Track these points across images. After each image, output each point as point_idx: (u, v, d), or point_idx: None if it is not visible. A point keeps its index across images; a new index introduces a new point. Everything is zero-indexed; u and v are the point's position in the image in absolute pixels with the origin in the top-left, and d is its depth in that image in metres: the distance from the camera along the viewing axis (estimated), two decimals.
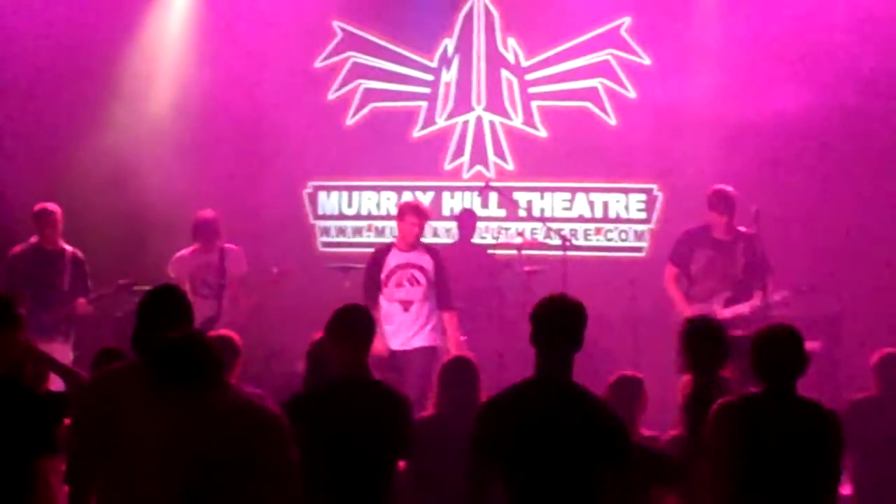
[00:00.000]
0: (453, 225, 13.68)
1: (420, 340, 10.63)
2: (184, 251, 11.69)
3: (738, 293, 10.75)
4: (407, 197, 14.22)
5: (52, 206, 11.37)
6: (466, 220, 13.47)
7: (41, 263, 11.20)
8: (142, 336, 5.62)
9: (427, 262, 10.83)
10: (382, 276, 10.75)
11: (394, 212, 14.08)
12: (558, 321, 5.61)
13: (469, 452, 5.58)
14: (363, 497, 6.12)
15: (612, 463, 5.44)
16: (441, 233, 14.12)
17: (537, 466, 5.40)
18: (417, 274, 10.76)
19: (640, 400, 7.25)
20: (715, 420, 5.89)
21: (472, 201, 14.16)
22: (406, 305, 10.68)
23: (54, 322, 11.04)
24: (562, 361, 5.57)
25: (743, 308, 10.64)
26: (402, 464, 6.47)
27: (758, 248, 10.74)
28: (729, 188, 11.00)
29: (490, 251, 13.46)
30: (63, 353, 10.46)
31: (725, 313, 10.52)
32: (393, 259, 10.80)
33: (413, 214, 10.84)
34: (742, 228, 10.93)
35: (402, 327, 10.62)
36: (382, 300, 10.69)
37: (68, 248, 11.43)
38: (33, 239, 11.35)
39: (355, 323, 6.42)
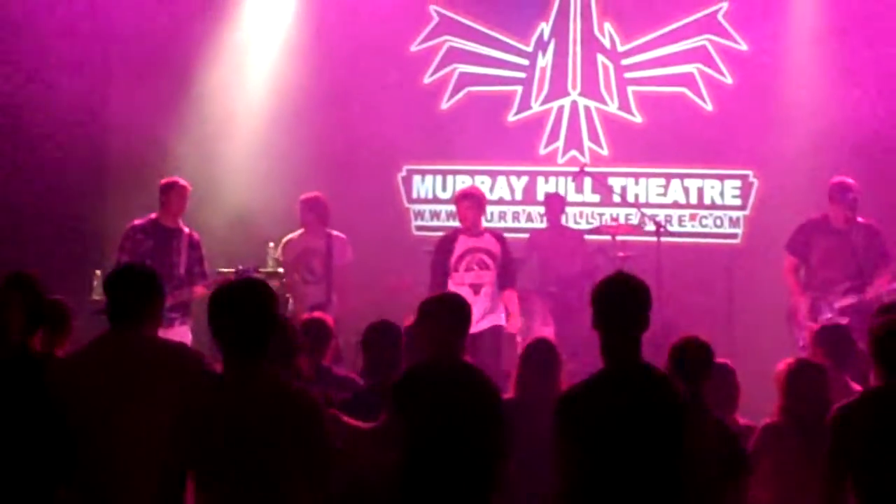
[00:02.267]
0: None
1: (488, 322, 10.77)
2: (292, 235, 11.59)
3: (856, 282, 10.65)
4: (501, 182, 14.27)
5: (182, 181, 11.05)
6: (554, 203, 13.43)
7: (159, 241, 10.79)
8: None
9: (495, 245, 11.01)
10: (452, 260, 10.92)
11: (488, 196, 14.18)
12: (625, 302, 5.43)
13: (554, 441, 5.50)
14: (469, 484, 6.07)
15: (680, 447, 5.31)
16: (535, 217, 14.11)
17: (621, 454, 5.30)
18: (485, 258, 10.92)
19: (733, 388, 7.22)
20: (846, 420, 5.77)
21: (566, 186, 14.12)
22: (476, 289, 10.79)
23: (171, 306, 10.19)
24: (633, 345, 5.40)
25: (862, 297, 10.55)
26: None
27: (876, 236, 10.69)
28: (849, 180, 10.85)
29: (584, 236, 13.42)
30: (183, 335, 10.24)
31: (842, 302, 10.48)
32: (461, 244, 10.97)
33: (464, 199, 11.08)
34: (860, 219, 10.80)
35: (474, 310, 10.53)
36: (451, 284, 10.77)
37: (186, 228, 11.07)
38: (153, 214, 10.97)
39: (453, 307, 6.43)
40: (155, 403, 5.28)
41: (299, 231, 11.59)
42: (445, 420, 6.06)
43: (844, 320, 10.02)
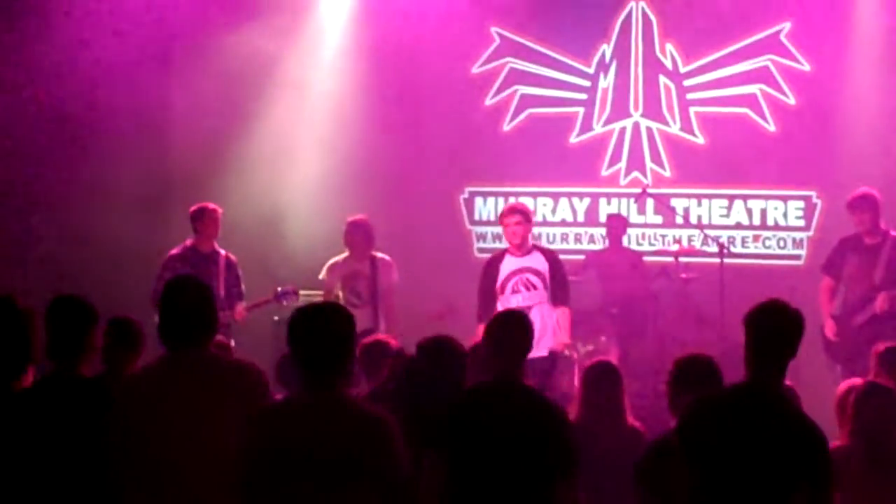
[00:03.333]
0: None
1: (542, 349, 10.06)
2: (337, 258, 11.49)
3: (873, 295, 10.57)
4: (563, 203, 14.26)
5: (212, 205, 11.27)
6: (615, 224, 13.43)
7: (197, 266, 10.90)
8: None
9: (541, 263, 10.61)
10: (498, 284, 10.55)
11: (550, 218, 14.17)
12: (778, 329, 5.46)
13: (651, 454, 5.46)
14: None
15: (809, 481, 5.28)
16: (597, 239, 14.10)
17: (735, 476, 5.27)
18: (532, 278, 10.54)
19: None
20: None
21: (628, 208, 14.11)
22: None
23: None
24: (773, 371, 5.42)
25: (873, 309, 10.50)
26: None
27: None
28: (870, 190, 10.78)
29: (645, 257, 13.40)
30: None
31: (859, 319, 10.46)
32: (507, 266, 10.60)
33: (511, 214, 10.67)
34: (894, 232, 10.75)
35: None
36: (499, 308, 10.09)
37: (222, 251, 11.32)
38: (189, 241, 11.24)
39: (512, 328, 6.31)
40: (219, 422, 5.28)
41: (344, 254, 11.48)
42: (503, 443, 5.97)
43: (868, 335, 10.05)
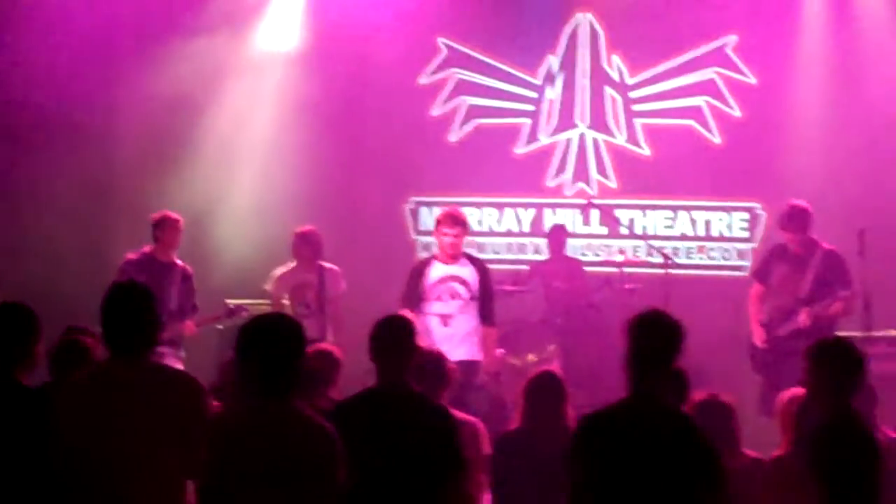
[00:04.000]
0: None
1: (461, 354, 9.78)
2: (284, 268, 11.34)
3: (801, 307, 10.48)
4: (508, 214, 14.26)
5: (173, 215, 11.13)
6: (556, 235, 13.46)
7: (154, 275, 10.64)
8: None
9: (471, 274, 10.31)
10: (422, 289, 10.24)
11: (495, 228, 14.17)
12: (655, 339, 5.42)
13: (566, 469, 5.49)
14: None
15: (705, 490, 5.29)
16: (542, 249, 14.10)
17: (631, 489, 5.27)
18: (459, 287, 10.22)
19: (732, 423, 7.13)
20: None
21: (574, 219, 14.13)
22: (445, 320, 10.14)
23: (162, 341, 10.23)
24: (657, 381, 5.40)
25: (798, 322, 10.41)
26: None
27: (836, 265, 10.45)
28: (800, 203, 10.61)
29: (588, 268, 13.41)
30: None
31: (783, 330, 10.40)
32: (435, 272, 10.29)
33: (453, 226, 10.31)
34: (825, 245, 10.54)
35: (443, 341, 9.67)
36: (423, 313, 10.03)
37: (179, 262, 11.16)
38: (147, 248, 11.08)
39: (395, 333, 6.26)
40: (155, 430, 5.27)
41: (291, 264, 11.32)
42: (386, 448, 5.95)
43: (793, 347, 9.98)
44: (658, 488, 5.26)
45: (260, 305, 11.33)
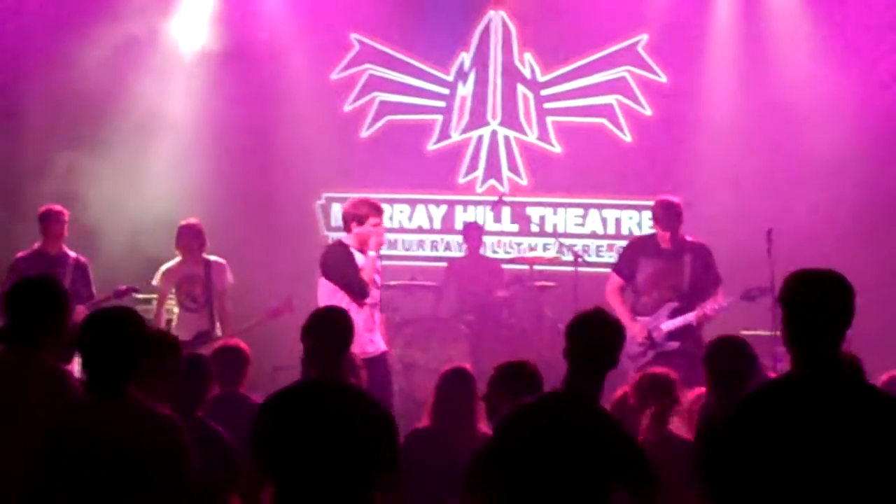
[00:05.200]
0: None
1: (383, 344, 9.71)
2: (171, 263, 11.25)
3: (684, 304, 10.41)
4: (420, 210, 14.27)
5: (57, 207, 11.14)
6: (472, 233, 13.47)
7: (43, 269, 10.57)
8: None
9: (378, 265, 9.77)
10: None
11: (407, 225, 14.17)
12: (598, 338, 5.47)
13: (477, 462, 5.49)
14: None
15: (627, 484, 5.33)
16: (453, 246, 14.12)
17: (550, 480, 5.28)
18: (377, 278, 9.74)
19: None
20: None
21: (485, 215, 14.14)
22: (376, 310, 9.73)
23: None
24: (592, 379, 5.44)
25: (688, 318, 10.32)
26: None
27: (708, 259, 10.34)
28: (672, 198, 10.38)
29: (502, 265, 13.45)
30: None
31: (669, 325, 10.30)
32: (361, 262, 9.62)
33: (377, 215, 9.84)
34: (689, 238, 10.39)
35: (376, 332, 9.66)
36: (364, 304, 9.56)
37: (71, 253, 11.13)
38: (36, 244, 11.08)
39: (329, 324, 6.15)
40: (26, 422, 5.31)
41: (177, 259, 11.24)
42: (316, 443, 5.82)
43: (674, 344, 10.02)
44: (575, 481, 5.29)
45: (152, 299, 11.38)
